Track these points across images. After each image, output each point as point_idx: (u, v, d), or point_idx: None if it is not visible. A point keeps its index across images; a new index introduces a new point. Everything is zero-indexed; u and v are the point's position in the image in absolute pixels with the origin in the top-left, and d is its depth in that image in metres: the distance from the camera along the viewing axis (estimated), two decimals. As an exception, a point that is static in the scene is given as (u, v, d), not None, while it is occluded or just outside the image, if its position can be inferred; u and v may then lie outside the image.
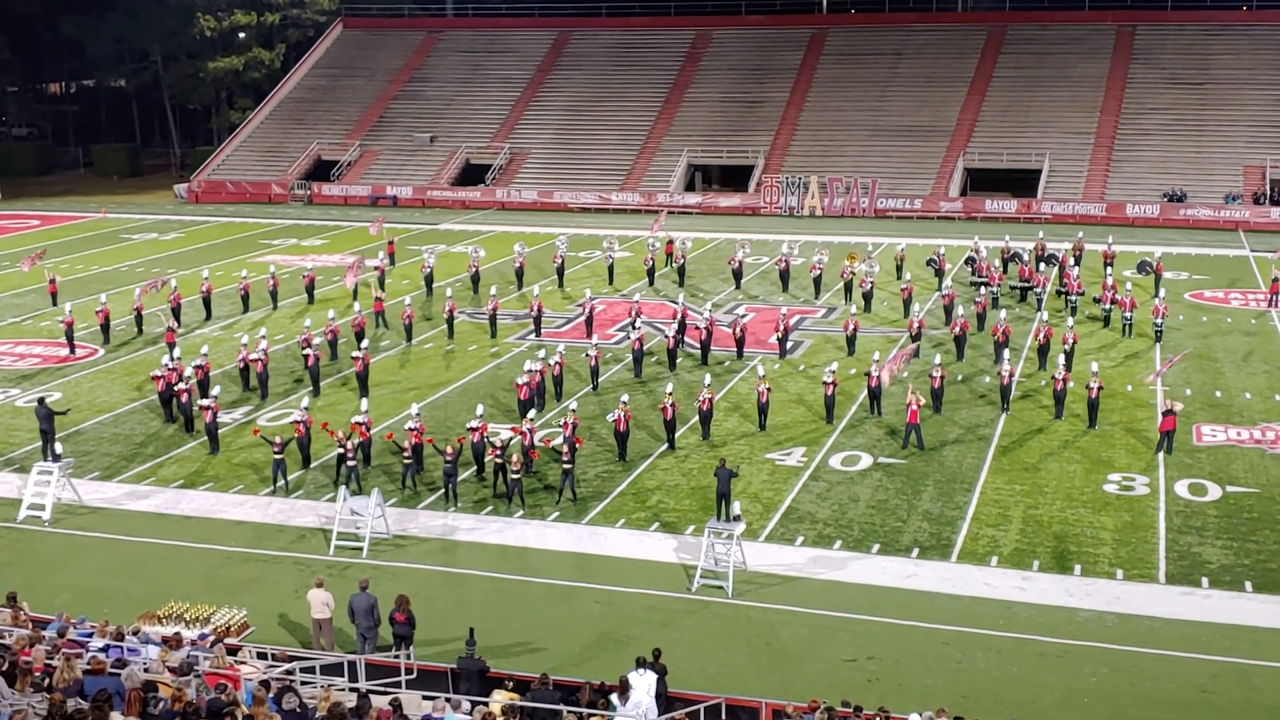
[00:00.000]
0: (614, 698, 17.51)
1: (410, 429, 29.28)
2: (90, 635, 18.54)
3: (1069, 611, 22.73)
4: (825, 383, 33.38)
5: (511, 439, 29.19)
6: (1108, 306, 43.15)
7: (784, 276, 49.78)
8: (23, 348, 42.52)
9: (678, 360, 38.79)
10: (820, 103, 77.90)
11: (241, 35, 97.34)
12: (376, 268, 50.69)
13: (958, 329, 39.32)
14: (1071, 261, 49.21)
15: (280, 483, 28.79)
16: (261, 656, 19.37)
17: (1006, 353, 35.47)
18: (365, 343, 38.14)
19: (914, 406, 31.13)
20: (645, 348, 38.73)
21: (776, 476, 29.54)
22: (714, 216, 70.47)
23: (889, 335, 42.17)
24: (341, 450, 28.62)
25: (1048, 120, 72.75)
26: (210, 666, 17.15)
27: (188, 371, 34.40)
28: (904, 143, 73.49)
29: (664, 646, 19.56)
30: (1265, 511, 27.07)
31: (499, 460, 28.11)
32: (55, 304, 46.75)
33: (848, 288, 47.22)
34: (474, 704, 16.55)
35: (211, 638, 19.74)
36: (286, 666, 18.69)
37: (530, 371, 33.62)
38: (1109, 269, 48.12)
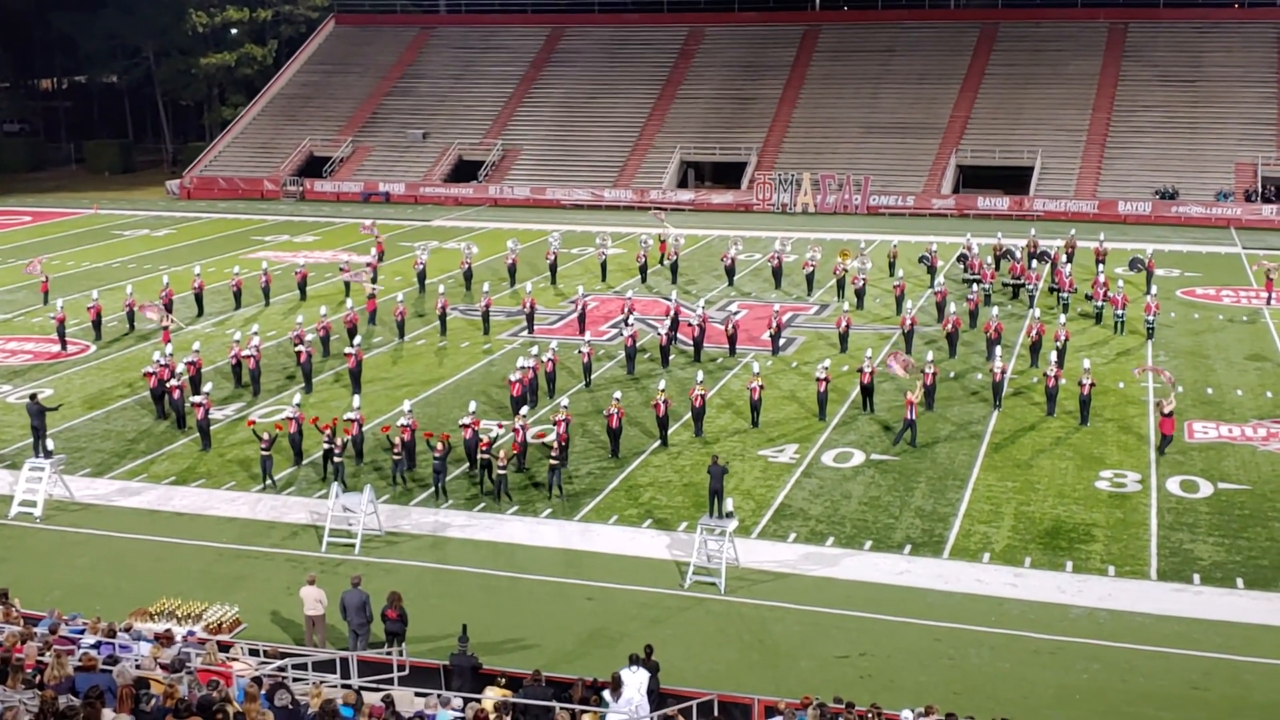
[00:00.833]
0: (606, 694, 17.50)
1: (403, 425, 29.25)
2: (82, 632, 18.51)
3: (1061, 608, 22.77)
4: (818, 379, 33.40)
5: (499, 435, 29.17)
6: (1100, 304, 43.24)
7: (776, 273, 49.80)
8: (14, 344, 42.41)
9: (670, 357, 38.80)
10: (813, 100, 77.91)
11: (234, 31, 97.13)
12: (368, 264, 50.66)
13: (950, 326, 39.36)
14: (1064, 259, 49.33)
15: (268, 480, 28.73)
16: (253, 653, 19.34)
17: (999, 350, 35.53)
18: (358, 339, 38.16)
19: (911, 400, 31.18)
20: (638, 344, 38.72)
21: (769, 473, 29.56)
22: (707, 213, 70.45)
23: (881, 332, 42.21)
24: (328, 446, 28.57)
25: (1040, 117, 72.83)
26: (202, 663, 17.12)
27: (179, 368, 34.35)
28: (896, 140, 73.53)
29: (656, 643, 19.56)
30: (1257, 508, 27.13)
31: (485, 456, 28.11)
32: (47, 301, 46.62)
33: (840, 285, 47.25)
34: (466, 701, 16.54)
35: (203, 634, 19.71)
36: (278, 663, 18.66)
37: (523, 368, 33.61)
38: (1101, 266, 48.17)
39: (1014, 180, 70.05)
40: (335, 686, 17.45)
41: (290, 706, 14.45)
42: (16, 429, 32.98)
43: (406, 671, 19.35)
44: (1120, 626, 22.05)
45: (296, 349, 36.73)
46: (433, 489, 28.17)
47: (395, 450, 28.86)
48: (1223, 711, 19.52)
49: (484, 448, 28.27)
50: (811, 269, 48.54)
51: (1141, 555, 24.90)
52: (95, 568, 25.10)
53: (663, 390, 31.66)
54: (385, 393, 35.89)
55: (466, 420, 29.42)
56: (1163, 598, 23.13)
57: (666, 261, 51.49)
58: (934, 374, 33.94)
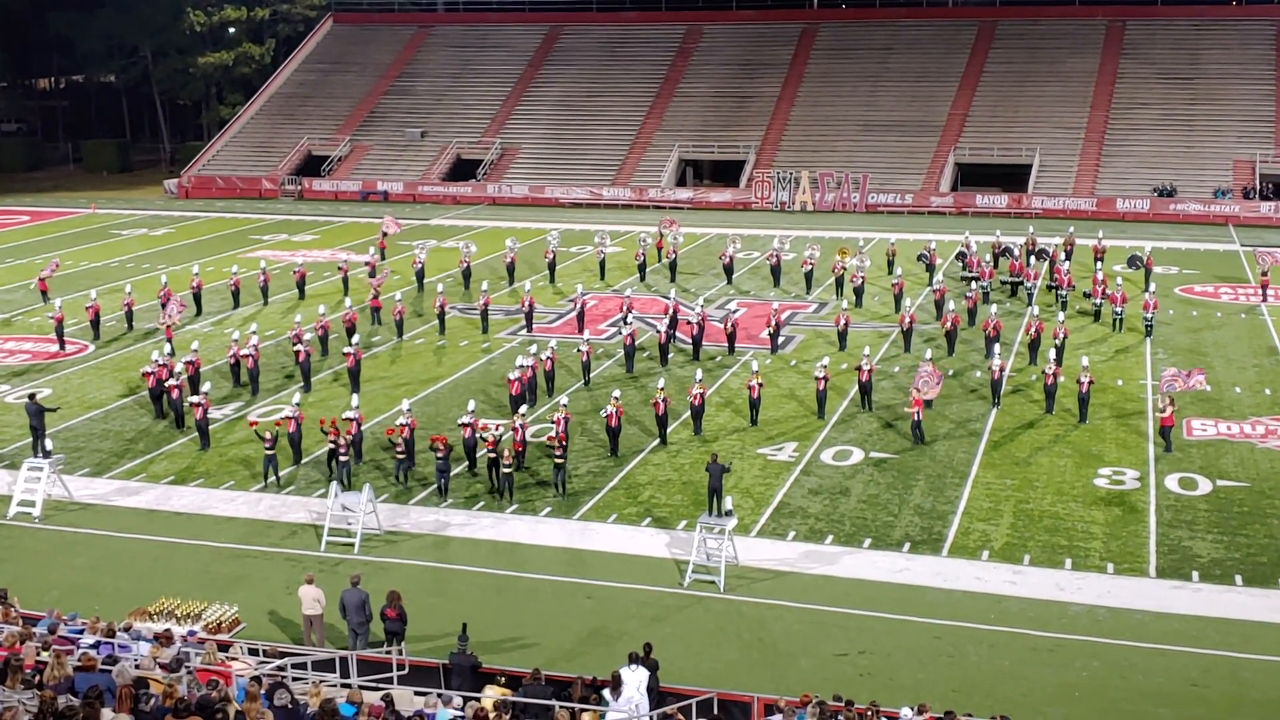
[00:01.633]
0: (606, 693, 17.50)
1: (402, 424, 29.25)
2: (81, 632, 18.50)
3: (1060, 605, 22.78)
4: (817, 378, 33.40)
5: (503, 434, 29.18)
6: (1098, 301, 43.25)
7: (775, 271, 49.80)
8: (12, 344, 42.39)
9: (669, 355, 38.80)
10: (811, 98, 77.91)
11: (231, 30, 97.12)
12: (367, 263, 50.66)
13: (949, 324, 39.37)
14: (1062, 256, 49.35)
15: (271, 478, 28.74)
16: (253, 653, 19.34)
17: (997, 347, 35.54)
18: (356, 338, 38.11)
19: (916, 401, 31.20)
20: (637, 343, 38.72)
21: (768, 471, 29.56)
22: (705, 212, 70.45)
23: (880, 330, 42.22)
24: (334, 445, 28.54)
25: (1038, 115, 72.86)
26: (201, 663, 17.13)
27: (178, 367, 34.34)
28: (895, 138, 73.53)
29: (656, 641, 19.56)
30: (1255, 505, 27.15)
31: (491, 455, 28.10)
32: (45, 300, 46.59)
33: (839, 283, 47.25)
34: (466, 699, 16.54)
35: (202, 634, 19.72)
36: (278, 663, 18.66)
37: (522, 367, 33.60)
38: (1099, 264, 48.21)
39: (1012, 178, 70.07)
40: (335, 686, 17.45)
41: (290, 706, 14.45)
42: (15, 429, 32.96)
43: (406, 671, 19.35)
44: (1119, 624, 22.06)
45: (295, 348, 36.73)
46: (435, 486, 28.13)
47: (399, 450, 28.83)
48: (1221, 708, 19.53)
49: (489, 446, 28.23)
50: (810, 267, 48.54)
51: (1140, 553, 24.91)
52: (94, 567, 25.09)
53: (662, 389, 31.66)
54: (384, 392, 35.88)
55: (466, 419, 29.42)
56: (1161, 595, 23.13)
57: (665, 259, 51.46)
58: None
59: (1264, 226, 62.90)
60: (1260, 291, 46.04)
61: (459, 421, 29.86)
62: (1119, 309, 41.66)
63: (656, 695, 18.06)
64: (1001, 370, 34.39)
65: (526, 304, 42.59)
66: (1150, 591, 23.29)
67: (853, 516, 26.89)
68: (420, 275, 49.34)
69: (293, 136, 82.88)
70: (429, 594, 23.37)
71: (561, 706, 16.20)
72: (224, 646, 18.84)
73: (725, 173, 76.47)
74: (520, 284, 47.19)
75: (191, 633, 20.08)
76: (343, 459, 28.49)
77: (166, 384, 33.17)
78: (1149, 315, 40.70)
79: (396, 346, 41.21)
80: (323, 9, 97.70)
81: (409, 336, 42.13)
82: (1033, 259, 50.24)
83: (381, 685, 18.18)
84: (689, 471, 29.49)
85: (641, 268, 50.92)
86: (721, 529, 23.88)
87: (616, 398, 31.09)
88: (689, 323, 40.15)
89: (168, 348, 35.49)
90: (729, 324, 39.86)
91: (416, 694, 17.73)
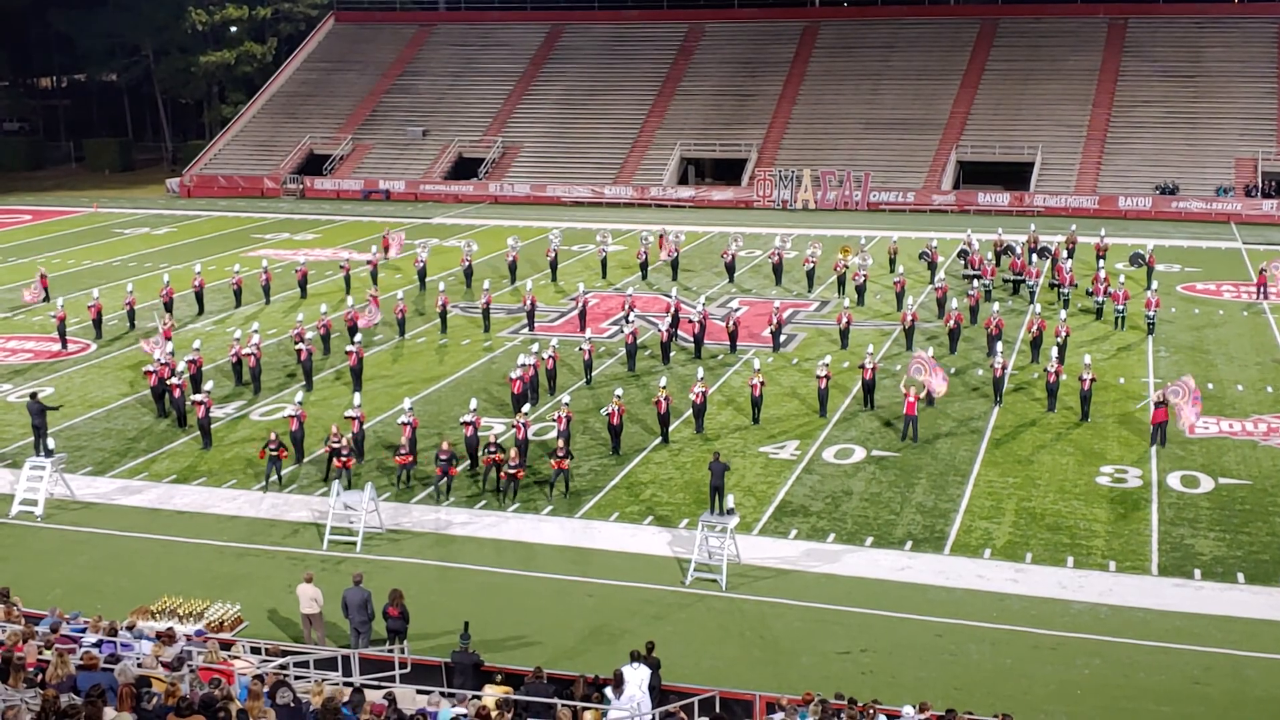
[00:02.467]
0: (609, 691, 17.51)
1: (403, 423, 29.25)
2: (83, 631, 18.52)
3: (1062, 603, 22.77)
4: (818, 376, 33.39)
5: (502, 434, 29.17)
6: (1100, 299, 43.23)
7: (777, 270, 49.79)
8: (14, 342, 42.42)
9: (671, 354, 38.80)
10: (813, 96, 77.88)
11: (233, 29, 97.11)
12: (369, 262, 50.67)
13: (951, 322, 39.36)
14: (1064, 254, 49.32)
15: (273, 478, 28.72)
16: (255, 651, 19.36)
17: (999, 345, 35.52)
18: (359, 337, 38.12)
19: (911, 398, 31.18)
20: (639, 341, 38.72)
21: (770, 470, 29.56)
22: (707, 210, 70.45)
23: (882, 329, 42.21)
24: (336, 445, 28.49)
25: (1040, 113, 72.81)
26: (204, 661, 17.14)
27: (180, 366, 34.34)
28: (897, 136, 73.50)
29: (658, 640, 19.57)
30: (1257, 503, 27.13)
31: (494, 454, 28.07)
32: (47, 299, 46.61)
33: (841, 281, 47.23)
34: (468, 698, 16.55)
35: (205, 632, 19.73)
36: (280, 661, 18.67)
37: (524, 366, 33.61)
38: (1101, 262, 48.15)
39: (1014, 176, 70.02)
40: (337, 684, 17.46)
41: (292, 704, 14.46)
42: (17, 428, 32.98)
43: (408, 669, 19.36)
44: (1121, 622, 22.05)
45: (297, 347, 36.73)
46: (433, 487, 28.12)
47: (402, 449, 28.79)
48: (1223, 706, 19.52)
49: (492, 447, 28.18)
50: (812, 265, 48.53)
51: (1142, 550, 24.90)
52: (96, 566, 25.11)
53: (664, 387, 31.66)
54: (386, 390, 35.89)
55: (468, 418, 29.43)
56: (1164, 593, 23.13)
57: (666, 258, 51.46)
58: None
59: (1266, 224, 62.86)
60: (1258, 290, 45.96)
61: (461, 420, 29.87)
62: (1121, 307, 41.64)
63: (658, 693, 18.07)
64: (1003, 368, 34.37)
65: (528, 302, 42.60)
66: (1152, 589, 23.28)
67: (855, 515, 26.88)
68: (422, 274, 49.34)
69: (294, 135, 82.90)
70: (431, 592, 23.38)
71: (563, 705, 16.21)
72: (226, 645, 18.86)
73: (727, 171, 76.45)
74: (522, 283, 47.19)
75: (199, 632, 20.08)
76: (344, 457, 28.38)
77: (168, 383, 33.19)
78: (1151, 313, 40.68)
79: (398, 345, 41.22)
80: (324, 8, 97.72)
81: (411, 335, 42.14)
82: (1035, 257, 50.22)
83: (384, 684, 18.20)
84: (691, 470, 29.49)
85: (643, 266, 50.92)
86: (723, 527, 23.88)
87: (618, 396, 31.10)
88: (691, 321, 40.14)
89: (169, 346, 35.47)
90: (731, 322, 39.85)
91: (419, 692, 17.75)
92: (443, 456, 27.77)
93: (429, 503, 27.80)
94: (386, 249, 54.98)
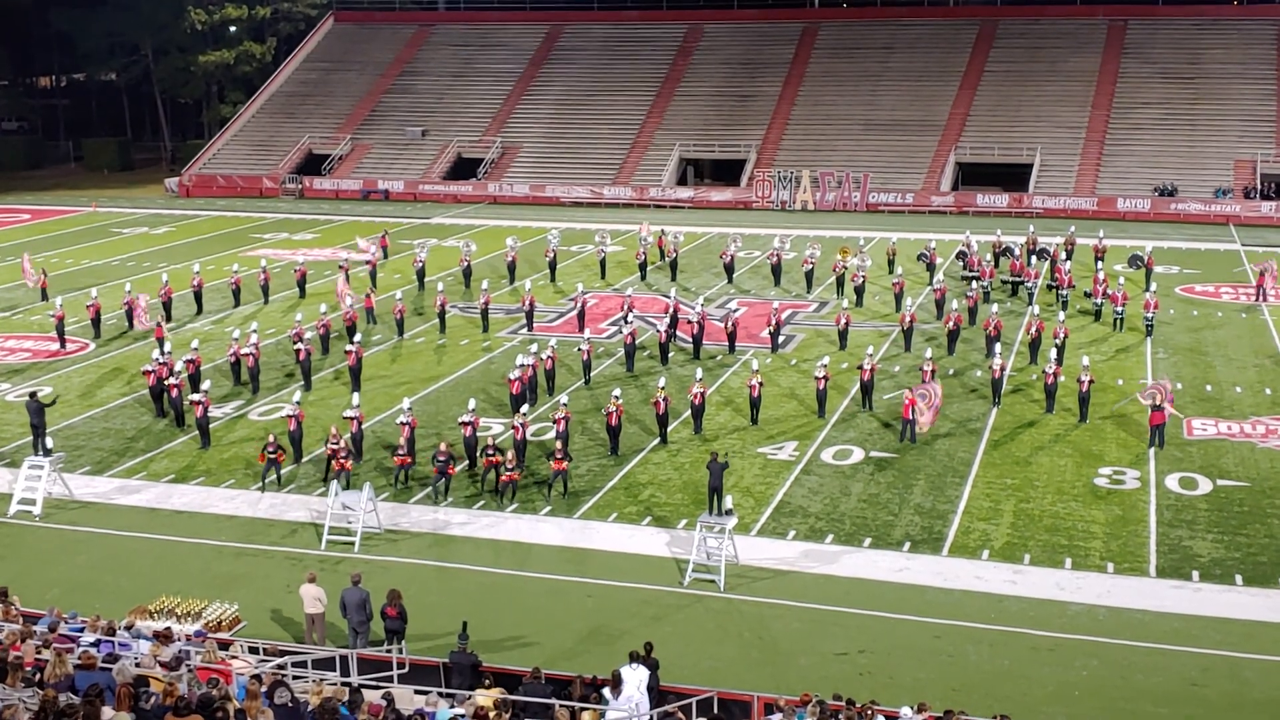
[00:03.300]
0: (607, 692, 17.51)
1: (401, 423, 29.25)
2: (81, 630, 18.50)
3: (1060, 605, 22.78)
4: (817, 377, 33.40)
5: (500, 435, 29.16)
6: (1099, 301, 43.25)
7: (776, 271, 49.80)
8: (13, 342, 42.41)
9: (670, 354, 38.80)
10: (812, 97, 77.89)
11: (232, 29, 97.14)
12: (368, 261, 50.67)
13: (950, 323, 39.36)
14: (1063, 256, 49.34)
15: (271, 478, 28.70)
16: (253, 651, 19.35)
17: (998, 347, 35.53)
18: (357, 337, 38.11)
19: (908, 401, 31.17)
20: (637, 342, 38.72)
21: (768, 470, 29.56)
22: (706, 211, 70.46)
23: (881, 330, 42.22)
24: (335, 447, 28.47)
25: (1039, 115, 72.82)
26: (202, 661, 17.13)
27: (179, 366, 34.33)
28: (896, 137, 73.51)
29: (656, 640, 19.57)
30: (1255, 505, 27.14)
31: (493, 456, 28.05)
32: (45, 299, 46.62)
33: (839, 282, 47.25)
34: (465, 699, 16.55)
35: (204, 632, 19.72)
36: (278, 661, 18.67)
37: (522, 366, 33.60)
38: (1100, 263, 48.20)
39: (1013, 177, 70.04)
40: (335, 684, 17.45)
41: (290, 704, 14.45)
42: (16, 427, 32.97)
43: (406, 669, 19.36)
44: (1119, 623, 22.06)
45: (296, 347, 36.73)
46: (430, 488, 28.12)
47: (400, 449, 28.78)
48: (1221, 708, 19.53)
49: (490, 449, 28.15)
50: (811, 266, 48.54)
51: (1140, 552, 24.91)
52: (94, 566, 25.10)
53: (662, 388, 31.65)
54: (384, 390, 35.88)
55: (466, 418, 29.43)
56: (1162, 594, 23.14)
57: (666, 259, 51.48)
58: (933, 371, 33.94)
59: (1265, 226, 62.89)
60: (1256, 291, 45.98)
61: (459, 420, 29.87)
62: (1119, 308, 41.65)
63: (657, 694, 18.07)
64: (1002, 369, 34.38)
65: (527, 303, 42.60)
66: (1150, 591, 23.29)
67: (853, 516, 26.89)
68: (421, 274, 49.34)
69: (294, 135, 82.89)
70: (429, 593, 23.39)
71: (561, 705, 16.20)
72: (224, 645, 18.85)
73: (726, 172, 76.45)
74: (521, 283, 47.19)
75: (198, 633, 20.06)
76: (343, 459, 28.37)
77: (167, 382, 33.17)
78: (1150, 315, 40.70)
79: (397, 345, 41.21)
80: (324, 7, 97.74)
81: (409, 335, 42.13)
82: (1033, 258, 50.26)
83: (381, 684, 18.20)
84: (689, 470, 29.49)
85: (642, 267, 50.93)
86: (722, 528, 23.89)
87: (617, 397, 31.09)
88: (689, 322, 40.15)
89: (167, 345, 35.47)
90: (729, 323, 39.86)
91: (417, 693, 17.74)
92: (440, 457, 27.76)
93: (427, 503, 27.80)
94: (385, 249, 55.04)
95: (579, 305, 42.31)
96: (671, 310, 41.41)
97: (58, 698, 13.06)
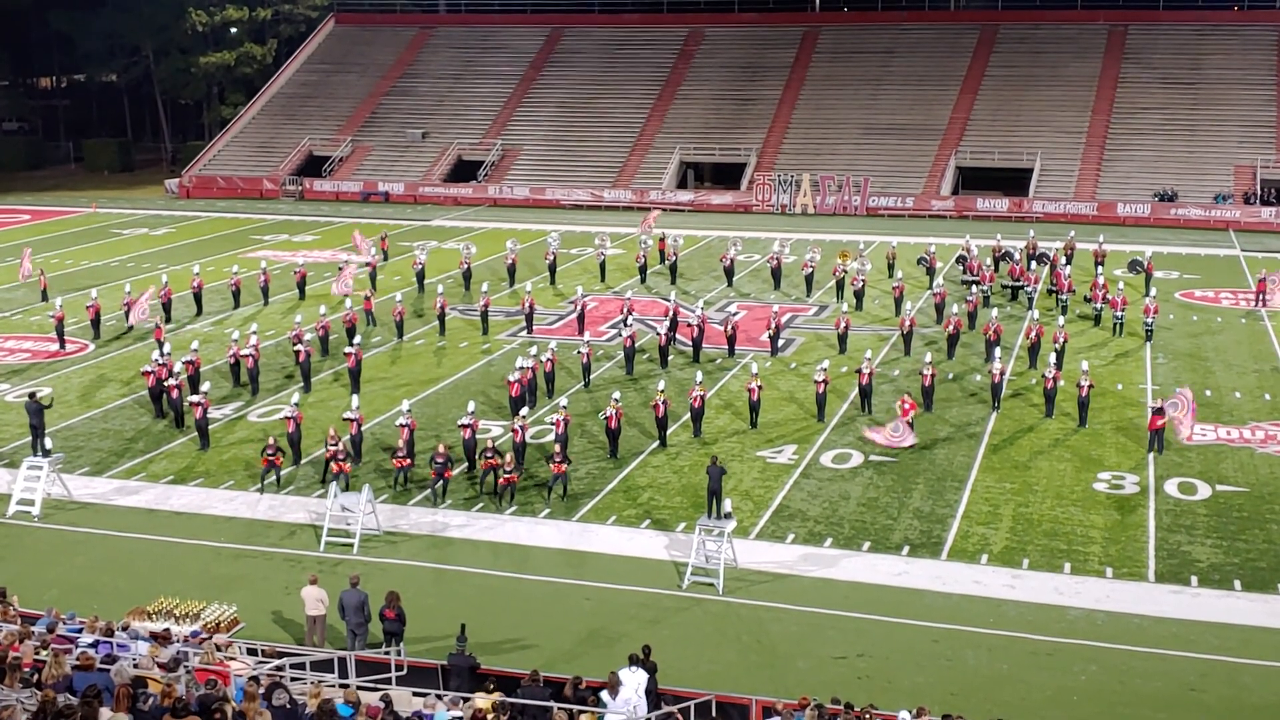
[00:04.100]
0: (605, 694, 17.50)
1: (401, 425, 29.24)
2: (79, 631, 18.50)
3: (1059, 609, 22.77)
4: (816, 381, 33.40)
5: (500, 438, 29.16)
6: (1099, 305, 43.25)
7: (776, 274, 49.80)
8: (12, 342, 42.40)
9: (669, 358, 38.80)
10: (812, 101, 77.92)
11: (233, 30, 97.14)
12: (368, 264, 50.66)
13: (950, 327, 39.36)
14: (1063, 260, 49.33)
15: (270, 479, 28.68)
16: (251, 653, 19.34)
17: (998, 351, 35.53)
18: (357, 339, 38.12)
19: (907, 405, 31.17)
20: (637, 345, 38.71)
21: (767, 474, 29.55)
22: (706, 214, 70.46)
23: (880, 333, 42.22)
24: (334, 449, 28.45)
25: (1039, 119, 72.85)
26: (200, 662, 17.12)
27: (178, 367, 34.32)
28: (896, 141, 73.54)
29: (655, 643, 19.56)
30: (1254, 510, 27.14)
31: (492, 459, 28.04)
32: (45, 299, 46.62)
33: (839, 286, 47.25)
34: (464, 700, 16.54)
35: (202, 634, 19.71)
36: (276, 663, 18.66)
37: (522, 368, 33.59)
38: (1100, 268, 48.20)
39: (1013, 182, 70.05)
40: (333, 686, 17.45)
41: (288, 706, 14.45)
42: (15, 428, 32.96)
43: (404, 671, 19.36)
44: (1118, 628, 22.06)
45: (295, 348, 36.73)
46: (429, 490, 28.11)
47: (400, 451, 28.78)
48: (1220, 713, 19.53)
49: (489, 451, 28.13)
50: (810, 270, 48.54)
51: (1139, 557, 24.91)
52: (93, 567, 25.09)
53: (661, 391, 31.65)
54: (384, 392, 35.87)
55: (466, 420, 29.42)
56: (1160, 599, 23.14)
57: (666, 262, 51.49)
58: (932, 375, 33.97)
59: (1265, 232, 62.90)
60: (1257, 297, 45.98)
61: (459, 423, 29.86)
62: (1119, 313, 41.65)
63: (655, 697, 18.06)
64: (1001, 374, 34.38)
65: (527, 305, 42.60)
66: (1149, 596, 23.29)
67: (852, 519, 26.88)
68: (420, 276, 49.34)
69: (294, 137, 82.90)
70: (428, 595, 23.38)
71: (560, 708, 16.20)
72: (222, 646, 18.83)
73: (726, 175, 76.48)
74: (521, 285, 47.20)
75: (196, 633, 20.04)
76: (341, 461, 28.36)
77: (166, 383, 33.16)
78: (1149, 320, 40.70)
79: (396, 347, 41.21)
80: (325, 9, 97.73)
81: (409, 337, 42.13)
82: (1033, 263, 50.27)
83: (380, 686, 18.19)
84: (688, 474, 29.49)
85: (642, 270, 50.93)
86: (721, 531, 23.88)
87: (616, 399, 31.09)
88: (689, 325, 40.16)
89: (166, 346, 35.46)
90: (729, 326, 39.86)
91: (415, 694, 17.74)
92: (439, 459, 27.76)
93: (426, 505, 27.79)
94: (385, 251, 55.05)
95: (579, 308, 42.30)
96: (671, 313, 41.41)
97: (56, 698, 13.06)
